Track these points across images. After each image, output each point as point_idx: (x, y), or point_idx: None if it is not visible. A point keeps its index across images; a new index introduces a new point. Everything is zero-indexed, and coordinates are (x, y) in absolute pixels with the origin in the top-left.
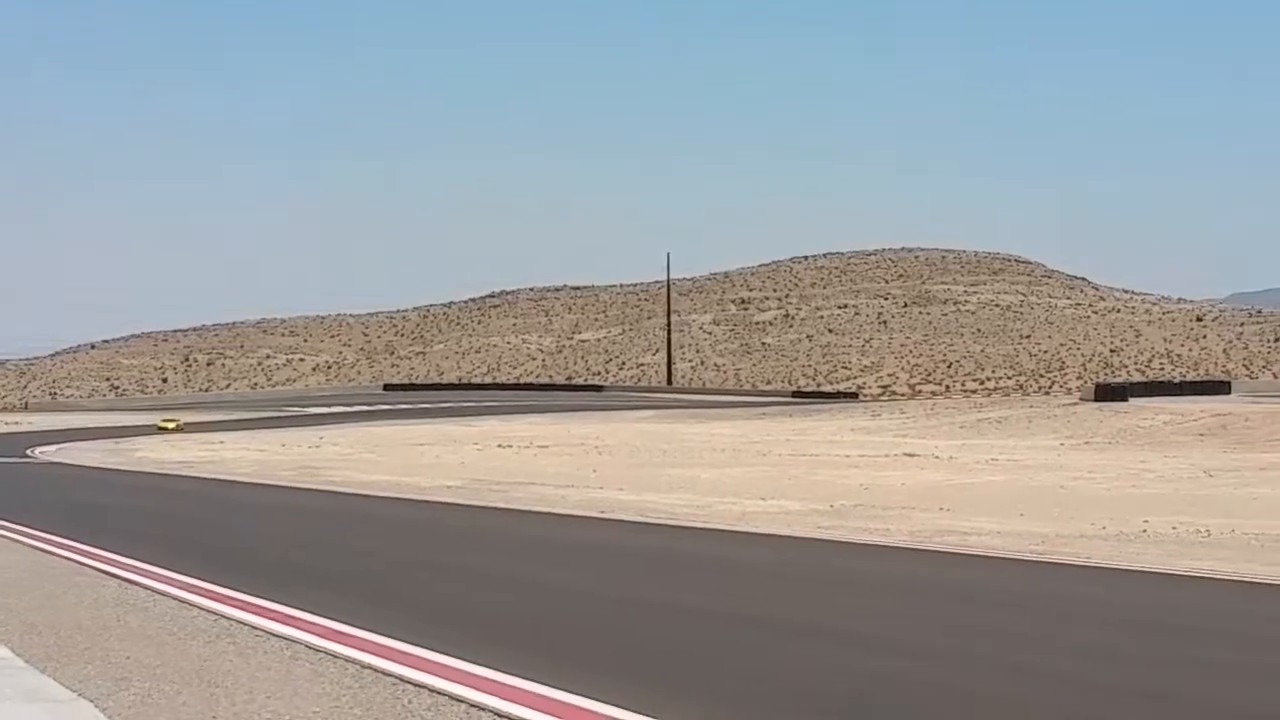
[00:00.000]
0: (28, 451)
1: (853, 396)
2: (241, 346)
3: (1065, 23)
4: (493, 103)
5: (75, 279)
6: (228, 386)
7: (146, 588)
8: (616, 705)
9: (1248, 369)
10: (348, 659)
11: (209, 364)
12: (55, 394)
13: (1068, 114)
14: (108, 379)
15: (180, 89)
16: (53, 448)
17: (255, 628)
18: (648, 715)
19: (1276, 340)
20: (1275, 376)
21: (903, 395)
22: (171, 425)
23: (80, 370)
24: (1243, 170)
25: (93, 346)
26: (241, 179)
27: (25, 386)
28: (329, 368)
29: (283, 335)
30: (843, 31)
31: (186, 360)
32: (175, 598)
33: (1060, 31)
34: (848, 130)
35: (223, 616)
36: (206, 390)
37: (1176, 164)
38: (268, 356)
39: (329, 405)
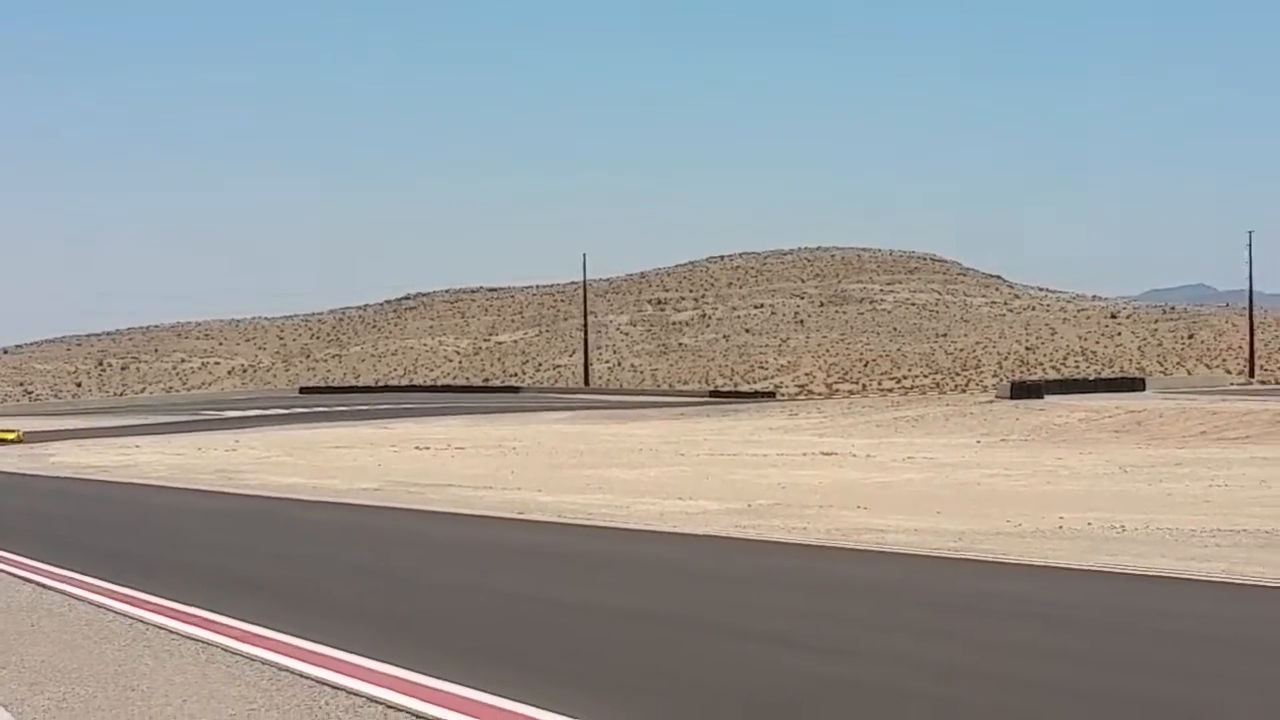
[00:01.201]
0: None
1: (770, 396)
2: (156, 350)
3: (981, 21)
4: (408, 106)
5: None
6: (143, 390)
7: (62, 592)
8: (531, 704)
9: (1161, 366)
10: (264, 661)
11: (124, 368)
12: None
13: (983, 113)
14: (21, 384)
15: (92, 91)
16: None
17: (171, 631)
18: (561, 713)
19: (1190, 337)
20: (1189, 373)
21: (819, 394)
22: (11, 436)
23: None
24: (1156, 170)
25: (4, 351)
26: (155, 184)
27: None
28: (245, 371)
29: (198, 339)
30: (757, 34)
31: (101, 364)
32: (91, 602)
33: (976, 32)
34: (762, 131)
35: (139, 620)
36: (121, 394)
37: (1091, 163)
38: (183, 360)
39: (245, 409)
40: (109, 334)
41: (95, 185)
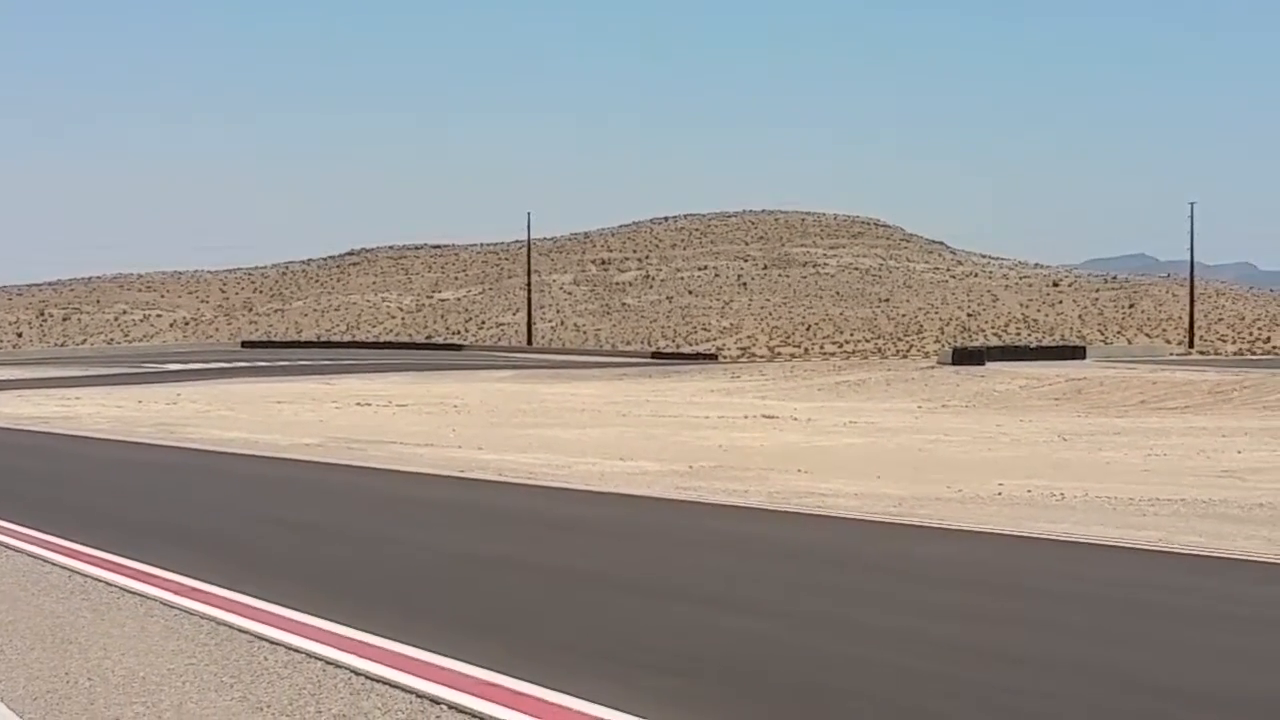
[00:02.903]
0: None
1: (712, 358)
2: (98, 302)
3: None
4: (355, 59)
5: None
6: (84, 342)
7: None
8: (463, 660)
9: (1102, 335)
10: (203, 615)
11: (65, 319)
12: None
13: (927, 78)
14: None
15: (38, 36)
16: None
17: (110, 584)
18: (489, 669)
19: (1131, 307)
20: (1129, 342)
21: (762, 357)
22: None
23: None
24: (1101, 138)
25: None
26: (98, 132)
27: None
28: (187, 324)
29: (139, 291)
30: None
31: (41, 315)
32: (28, 554)
33: None
34: (709, 93)
35: (77, 573)
36: (62, 345)
37: (1036, 130)
38: (124, 312)
39: (187, 362)
40: (50, 284)
41: (41, 137)
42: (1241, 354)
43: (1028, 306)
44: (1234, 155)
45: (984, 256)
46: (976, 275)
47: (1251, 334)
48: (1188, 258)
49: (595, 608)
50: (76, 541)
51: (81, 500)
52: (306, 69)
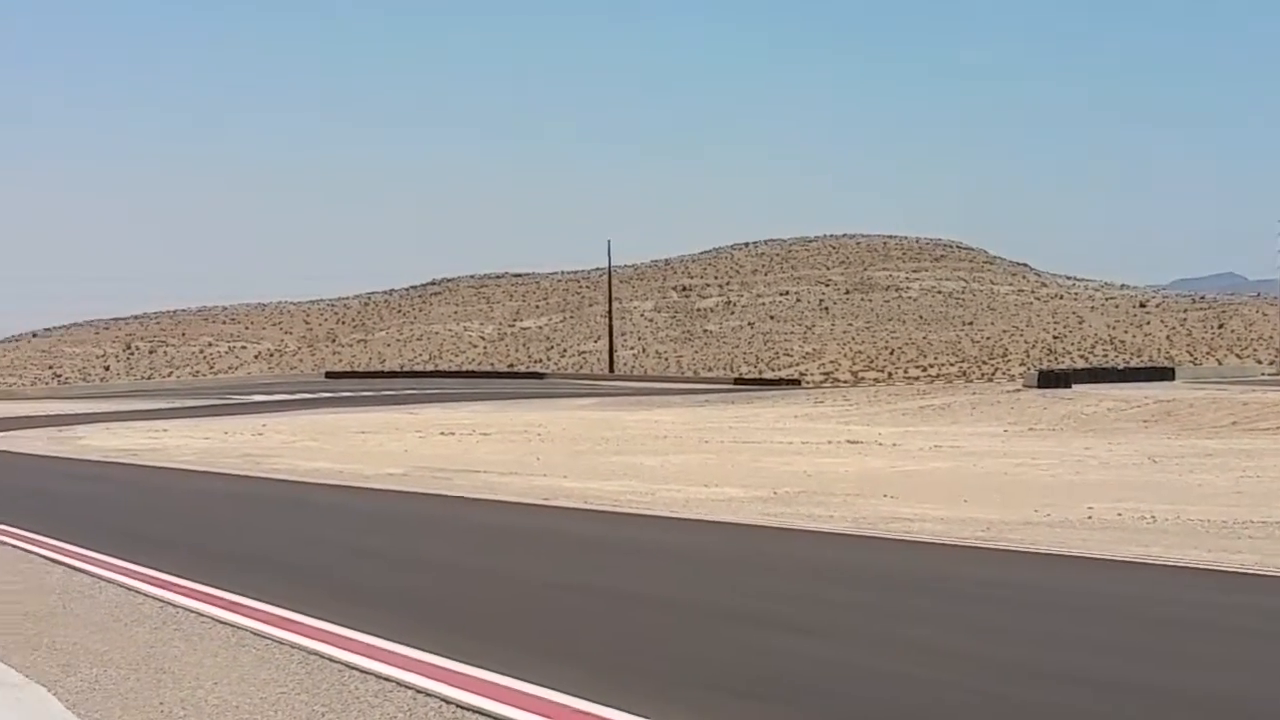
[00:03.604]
0: None
1: (795, 383)
2: (183, 334)
3: (1011, 11)
4: (436, 90)
5: (17, 267)
6: (170, 374)
7: (92, 575)
8: (554, 689)
9: (1191, 355)
10: (294, 645)
11: (151, 352)
12: None
13: (1011, 102)
14: (50, 366)
15: (130, 75)
16: None
17: (201, 614)
18: (579, 696)
19: (1220, 327)
20: (1219, 363)
21: (845, 382)
22: None
23: (22, 358)
24: (1187, 158)
25: (34, 334)
26: (181, 167)
27: None
28: (271, 355)
29: (224, 323)
30: (791, 20)
31: (128, 348)
32: (121, 584)
33: (1007, 21)
34: (790, 118)
35: (169, 604)
36: (149, 378)
37: (1121, 151)
38: (209, 344)
39: (271, 393)
40: (136, 318)
41: (126, 172)
42: None
43: (1114, 328)
44: None
45: (1069, 278)
46: (1061, 297)
47: None
48: (1278, 276)
49: (680, 634)
50: (167, 572)
51: (171, 532)
52: (387, 100)
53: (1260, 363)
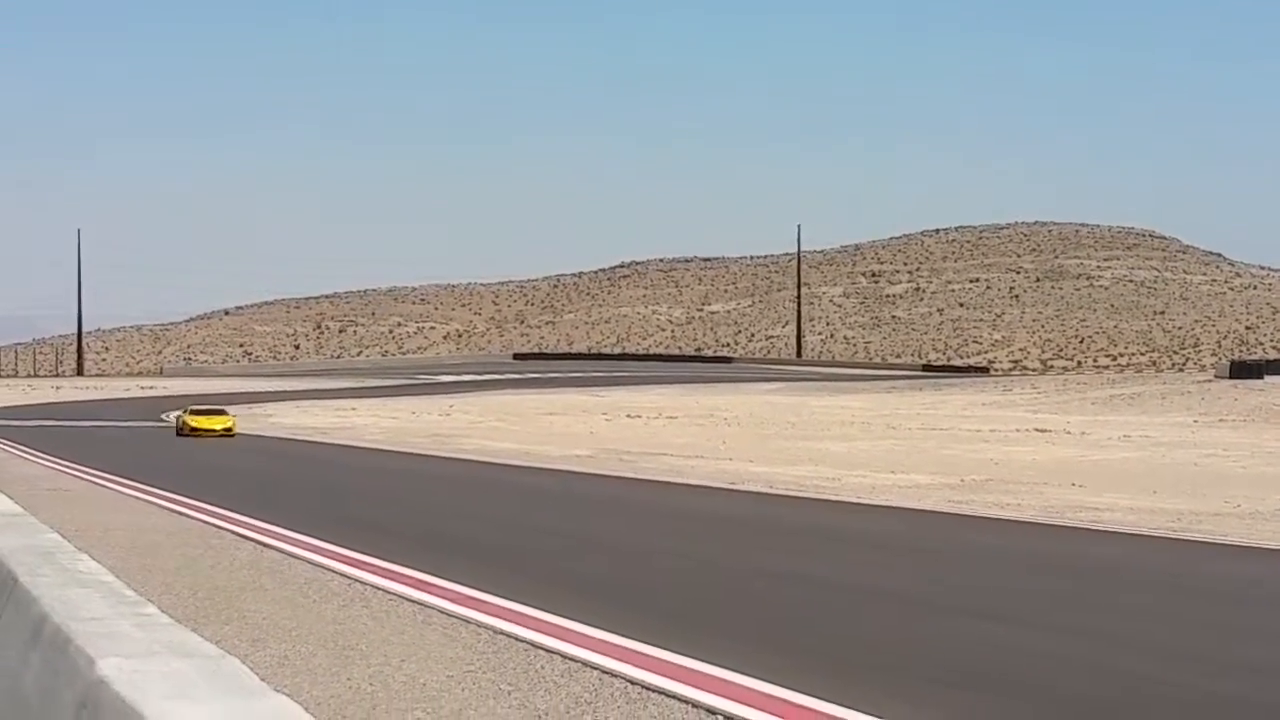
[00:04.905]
0: (162, 416)
1: (983, 371)
2: (373, 314)
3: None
4: (624, 74)
5: (210, 245)
6: (359, 354)
7: (282, 551)
8: (740, 671)
9: None
10: (480, 624)
11: (341, 331)
12: (190, 359)
13: (1205, 88)
14: (241, 345)
15: (321, 54)
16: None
17: (389, 592)
18: (769, 680)
19: None
20: None
21: (1034, 370)
22: (220, 425)
23: (214, 336)
24: None
25: (226, 313)
26: (375, 149)
27: (160, 352)
28: (459, 336)
29: (414, 303)
30: (987, 3)
31: (319, 327)
32: (310, 561)
33: (1199, 5)
34: (979, 104)
35: (357, 581)
36: (338, 357)
37: None
38: (399, 324)
39: (459, 374)
40: (327, 297)
41: (317, 152)
42: None
43: None
44: None
45: (1263, 268)
46: (1255, 287)
47: None
48: None
49: (870, 620)
50: (355, 550)
51: (358, 510)
52: (576, 89)
53: None
